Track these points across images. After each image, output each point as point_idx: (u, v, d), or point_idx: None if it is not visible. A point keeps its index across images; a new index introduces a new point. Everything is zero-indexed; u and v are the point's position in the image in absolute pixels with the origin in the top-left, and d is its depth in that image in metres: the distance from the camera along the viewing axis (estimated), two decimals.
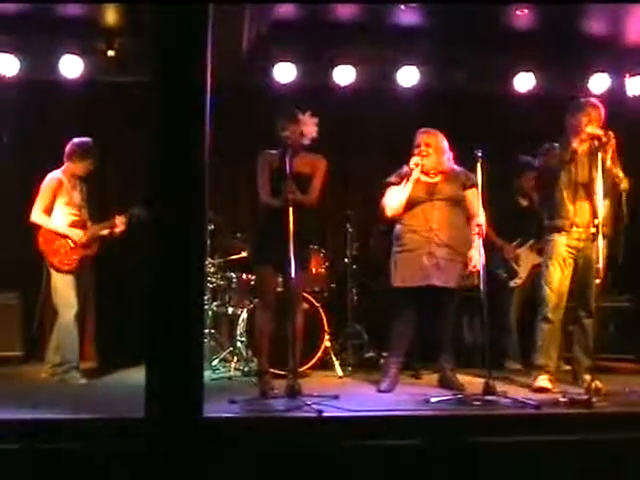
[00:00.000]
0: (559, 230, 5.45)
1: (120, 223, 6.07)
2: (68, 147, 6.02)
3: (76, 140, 6.04)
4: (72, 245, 5.91)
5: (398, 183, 5.54)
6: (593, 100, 5.57)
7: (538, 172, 5.70)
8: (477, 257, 5.27)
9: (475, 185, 5.49)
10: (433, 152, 5.52)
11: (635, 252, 6.42)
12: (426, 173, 5.51)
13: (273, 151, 5.40)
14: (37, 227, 5.91)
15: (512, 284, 6.73)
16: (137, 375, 5.96)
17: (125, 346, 6.74)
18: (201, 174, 4.03)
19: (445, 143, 5.58)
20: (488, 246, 5.86)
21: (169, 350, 3.93)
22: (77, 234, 5.94)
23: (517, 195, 6.90)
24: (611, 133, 5.19)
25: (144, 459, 3.82)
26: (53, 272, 5.88)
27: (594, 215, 5.21)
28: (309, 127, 5.31)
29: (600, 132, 5.22)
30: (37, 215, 5.89)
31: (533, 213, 6.81)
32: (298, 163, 5.24)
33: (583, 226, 5.36)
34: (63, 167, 6.02)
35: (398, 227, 5.57)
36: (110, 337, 7.04)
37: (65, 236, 5.90)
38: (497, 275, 6.63)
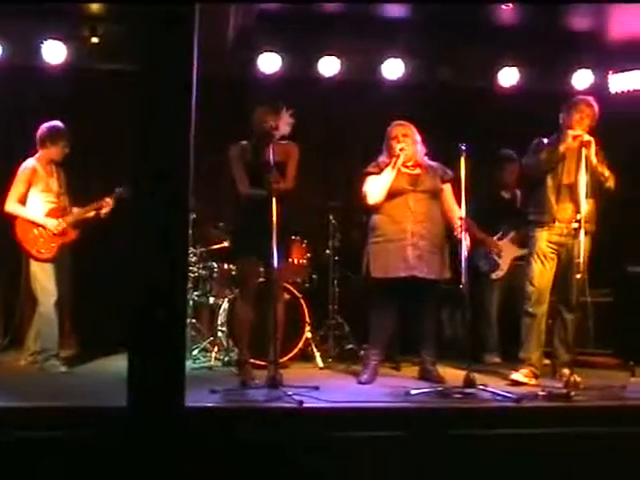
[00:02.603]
0: (542, 225, 5.48)
1: (107, 204, 6.05)
2: (39, 133, 5.96)
3: (46, 125, 5.97)
4: (50, 233, 5.87)
5: (377, 173, 5.54)
6: (588, 98, 5.59)
7: (527, 168, 5.69)
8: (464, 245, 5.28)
9: (452, 180, 5.53)
10: (411, 143, 5.54)
11: (614, 247, 6.50)
12: (405, 163, 5.52)
13: (244, 142, 5.41)
14: (13, 217, 5.86)
15: (494, 276, 6.76)
16: (117, 363, 5.99)
17: (105, 334, 6.71)
18: (185, 163, 4.01)
19: (418, 137, 5.61)
20: (470, 239, 5.90)
21: (151, 340, 3.92)
22: (53, 223, 5.89)
23: (498, 188, 6.93)
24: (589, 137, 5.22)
25: (126, 448, 3.81)
26: (32, 261, 5.85)
27: (577, 211, 5.24)
28: (284, 124, 5.31)
29: (580, 132, 5.25)
30: (11, 205, 5.85)
31: (514, 206, 6.86)
32: (273, 152, 5.21)
33: (565, 221, 5.38)
34: (37, 154, 5.97)
35: (376, 217, 5.55)
36: (90, 325, 6.99)
37: (42, 225, 5.87)
38: (478, 268, 6.66)
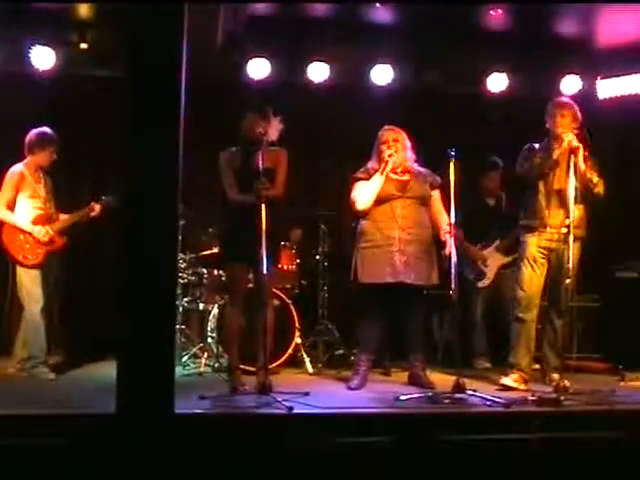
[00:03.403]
0: (532, 230, 5.50)
1: (93, 209, 6.07)
2: (27, 139, 5.95)
3: (34, 131, 5.97)
4: (36, 240, 5.85)
5: (366, 179, 5.54)
6: (565, 99, 5.63)
7: (520, 174, 5.68)
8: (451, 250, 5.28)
9: (440, 186, 5.54)
10: (401, 148, 5.55)
11: (602, 252, 6.52)
12: (394, 169, 5.52)
13: (233, 148, 5.41)
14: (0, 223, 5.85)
15: (480, 285, 6.76)
16: (105, 370, 5.98)
17: (93, 340, 6.71)
18: (174, 169, 4.01)
19: (408, 142, 5.61)
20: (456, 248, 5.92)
21: (140, 346, 3.91)
22: (39, 231, 5.87)
23: (483, 195, 6.94)
24: (577, 143, 5.23)
25: (114, 455, 3.80)
26: (18, 267, 5.83)
27: (567, 216, 5.24)
28: (273, 130, 5.31)
29: (570, 137, 5.26)
30: (1, 211, 5.83)
31: (499, 211, 6.87)
32: (262, 158, 5.21)
33: (556, 227, 5.39)
34: (25, 160, 5.95)
35: (365, 223, 5.56)
36: (78, 331, 6.97)
37: (28, 232, 5.85)
38: (464, 276, 6.66)
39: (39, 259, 5.86)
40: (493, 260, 6.73)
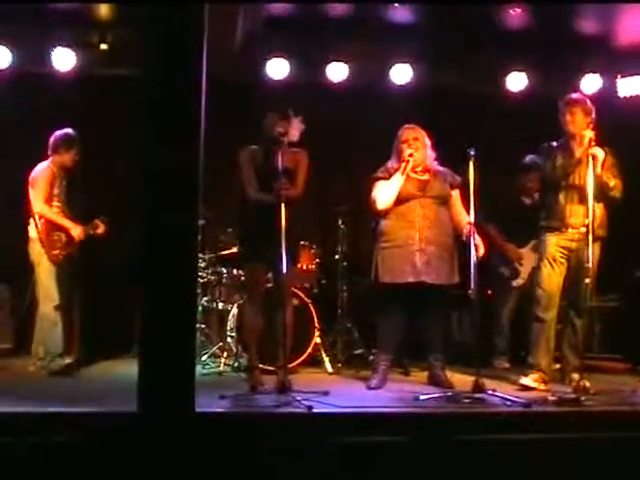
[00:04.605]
0: (553, 230, 5.48)
1: (98, 227, 6.16)
2: (53, 139, 6.05)
3: (59, 132, 6.08)
4: (65, 239, 5.94)
5: (386, 178, 5.54)
6: (573, 95, 5.59)
7: (543, 174, 5.65)
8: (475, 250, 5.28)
9: (460, 186, 5.53)
10: (421, 147, 5.54)
11: (623, 252, 6.47)
12: (414, 168, 5.52)
13: (254, 147, 5.42)
14: (40, 217, 5.92)
15: (514, 284, 6.74)
16: (122, 368, 6.03)
17: (110, 339, 6.76)
18: (194, 168, 4.03)
19: (428, 141, 5.61)
20: (493, 245, 6.02)
21: (161, 345, 3.94)
22: (76, 229, 5.98)
23: (520, 194, 6.89)
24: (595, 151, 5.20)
25: (135, 453, 3.82)
26: (39, 264, 5.89)
27: (587, 216, 5.21)
28: (294, 130, 5.32)
29: (591, 134, 5.21)
30: (41, 206, 5.92)
31: (535, 212, 6.83)
32: (282, 158, 5.22)
33: (576, 227, 5.37)
34: (50, 160, 6.01)
35: (385, 222, 5.55)
36: (94, 330, 7.03)
37: (66, 229, 5.91)
38: (500, 273, 6.66)
39: (61, 258, 5.93)
40: (528, 260, 6.67)
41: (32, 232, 5.96)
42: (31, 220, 5.96)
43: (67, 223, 5.99)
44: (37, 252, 5.92)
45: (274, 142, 5.22)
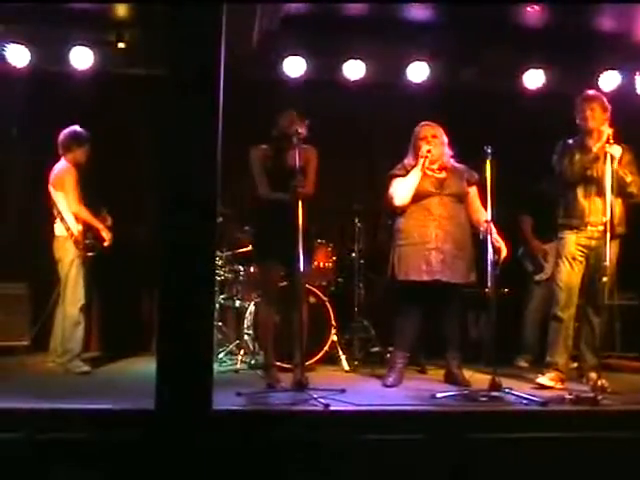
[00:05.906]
0: (572, 228, 5.46)
1: (107, 219, 6.15)
2: (62, 138, 6.04)
3: (67, 130, 6.07)
4: (101, 239, 5.99)
5: (403, 175, 5.53)
6: (591, 92, 5.55)
7: (561, 173, 5.61)
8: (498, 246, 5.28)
9: (477, 182, 5.52)
10: (439, 144, 5.54)
11: None
12: (431, 165, 5.51)
13: (264, 145, 5.43)
14: (76, 218, 5.94)
15: (537, 278, 6.76)
16: (139, 365, 6.07)
17: (128, 337, 6.81)
18: (213, 167, 4.04)
19: (446, 138, 5.60)
20: (520, 239, 6.15)
21: (179, 343, 3.96)
22: (106, 231, 6.03)
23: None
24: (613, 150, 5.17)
25: (153, 450, 3.85)
26: (70, 264, 5.90)
27: (605, 214, 5.19)
28: (303, 129, 5.32)
29: (609, 131, 5.19)
30: (77, 207, 5.93)
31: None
32: (293, 156, 5.23)
33: (596, 225, 5.34)
34: (65, 159, 6.02)
35: (402, 220, 5.54)
36: (114, 329, 7.08)
37: (97, 229, 5.96)
38: (524, 266, 6.68)
39: (89, 257, 5.98)
40: (553, 255, 6.65)
41: (59, 230, 5.95)
42: (57, 219, 5.95)
43: (98, 224, 6.00)
44: (66, 251, 5.92)
45: (289, 140, 5.23)
